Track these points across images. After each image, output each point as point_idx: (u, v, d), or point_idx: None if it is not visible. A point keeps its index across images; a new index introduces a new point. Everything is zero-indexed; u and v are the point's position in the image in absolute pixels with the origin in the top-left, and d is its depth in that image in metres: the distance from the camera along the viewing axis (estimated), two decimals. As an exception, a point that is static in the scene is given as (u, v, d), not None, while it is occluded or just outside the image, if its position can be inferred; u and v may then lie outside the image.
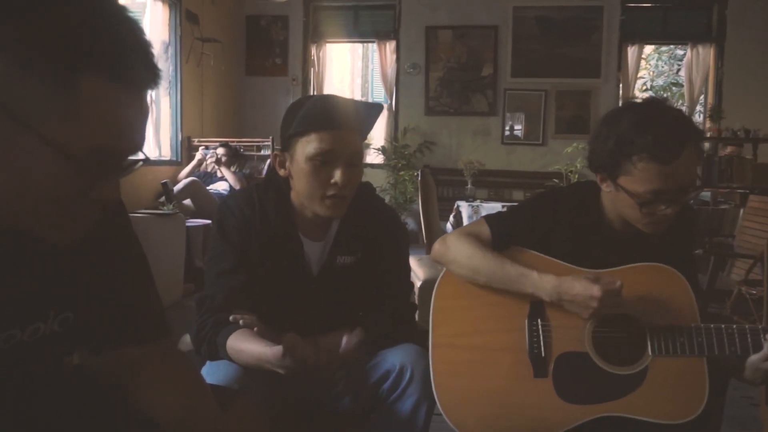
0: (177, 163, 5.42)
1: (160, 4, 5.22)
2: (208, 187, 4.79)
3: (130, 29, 0.65)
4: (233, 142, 5.36)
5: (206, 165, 5.06)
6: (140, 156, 0.70)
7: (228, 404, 0.93)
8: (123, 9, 0.65)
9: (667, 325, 1.19)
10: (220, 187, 4.88)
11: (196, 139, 5.59)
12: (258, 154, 5.76)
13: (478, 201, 4.98)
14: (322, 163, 1.23)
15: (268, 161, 5.66)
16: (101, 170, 0.65)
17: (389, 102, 6.81)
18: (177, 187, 4.53)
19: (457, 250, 1.29)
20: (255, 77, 6.77)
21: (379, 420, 1.27)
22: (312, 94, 6.82)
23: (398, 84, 6.69)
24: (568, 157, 5.18)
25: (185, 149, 5.55)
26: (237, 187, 4.83)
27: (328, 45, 7.03)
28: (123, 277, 0.87)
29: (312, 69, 6.86)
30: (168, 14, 5.33)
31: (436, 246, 1.34)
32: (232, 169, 4.99)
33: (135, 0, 5.02)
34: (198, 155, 5.16)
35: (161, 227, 3.55)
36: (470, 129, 6.60)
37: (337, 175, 1.23)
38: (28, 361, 0.78)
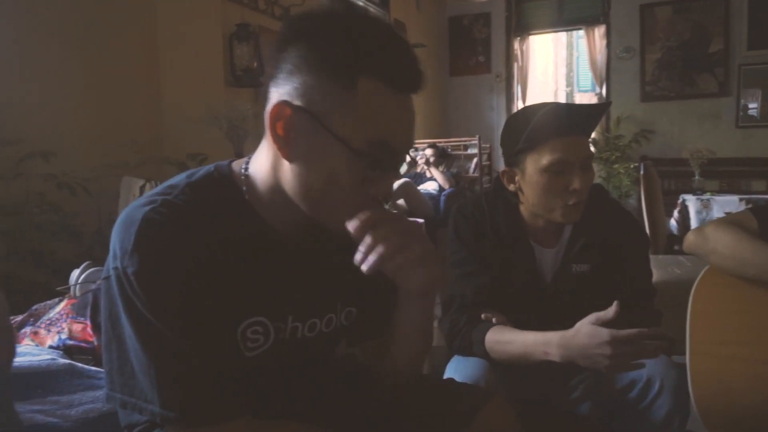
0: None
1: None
2: (418, 187, 4.99)
3: (399, 42, 0.75)
4: (440, 142, 5.51)
5: (417, 166, 5.28)
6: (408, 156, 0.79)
7: (483, 404, 0.97)
8: (393, 28, 0.76)
9: None
10: (429, 187, 5.06)
11: (406, 142, 5.86)
12: (465, 153, 5.85)
13: (708, 194, 4.44)
14: (556, 172, 1.23)
15: (475, 160, 5.72)
16: (377, 163, 0.74)
17: (599, 91, 6.42)
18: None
19: (719, 240, 1.18)
20: (459, 77, 6.88)
21: (624, 430, 1.22)
22: (522, 103, 6.71)
23: (609, 71, 6.26)
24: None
25: (396, 152, 5.85)
26: (446, 186, 4.95)
27: (531, 37, 6.87)
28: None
29: (515, 64, 6.75)
30: (378, 26, 5.67)
31: (691, 237, 1.24)
32: (441, 168, 5.14)
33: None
34: (409, 157, 5.41)
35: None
36: (696, 113, 5.92)
37: (576, 182, 1.22)
38: (322, 349, 0.91)
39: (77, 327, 1.51)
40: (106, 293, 0.74)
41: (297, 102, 0.73)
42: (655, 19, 6.03)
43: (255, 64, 3.52)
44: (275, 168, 0.78)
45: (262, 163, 0.80)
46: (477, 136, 5.59)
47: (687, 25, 5.91)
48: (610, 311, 1.07)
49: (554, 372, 1.26)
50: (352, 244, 0.77)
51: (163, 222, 0.71)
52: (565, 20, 6.60)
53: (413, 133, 0.80)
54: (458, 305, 1.31)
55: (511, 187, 1.33)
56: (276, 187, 0.78)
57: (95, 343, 1.47)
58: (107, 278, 0.73)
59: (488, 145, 5.97)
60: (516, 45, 6.73)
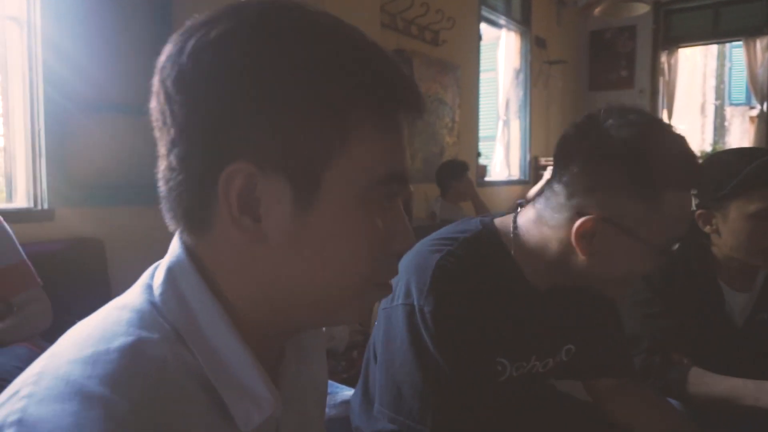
0: (525, 182, 5.72)
1: (513, 34, 5.60)
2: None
3: (688, 149, 0.84)
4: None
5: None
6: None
7: None
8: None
9: None
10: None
11: (543, 159, 5.81)
12: (605, 171, 5.67)
13: None
14: (763, 219, 1.23)
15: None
16: (670, 251, 0.85)
17: (760, 107, 5.94)
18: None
19: None
20: (598, 92, 6.67)
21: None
22: (668, 118, 6.39)
23: (772, 85, 5.79)
24: None
25: (533, 169, 5.82)
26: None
27: (680, 50, 6.51)
28: (607, 318, 1.07)
29: (661, 78, 6.43)
30: (519, 42, 5.68)
31: None
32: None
33: (490, 30, 5.46)
34: (546, 174, 5.35)
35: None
36: None
37: None
38: (546, 382, 1.01)
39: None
40: (387, 322, 0.88)
41: (600, 213, 0.82)
42: (829, 29, 5.49)
43: (408, 87, 3.70)
44: (565, 254, 0.87)
45: (541, 240, 0.89)
46: (620, 154, 5.40)
47: None
48: None
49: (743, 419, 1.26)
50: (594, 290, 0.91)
51: (453, 270, 0.85)
52: (722, 31, 6.18)
53: None
54: (648, 345, 1.33)
55: (707, 229, 1.34)
56: (554, 263, 0.88)
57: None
58: (386, 309, 0.88)
59: (631, 164, 5.73)
60: (663, 58, 6.41)
